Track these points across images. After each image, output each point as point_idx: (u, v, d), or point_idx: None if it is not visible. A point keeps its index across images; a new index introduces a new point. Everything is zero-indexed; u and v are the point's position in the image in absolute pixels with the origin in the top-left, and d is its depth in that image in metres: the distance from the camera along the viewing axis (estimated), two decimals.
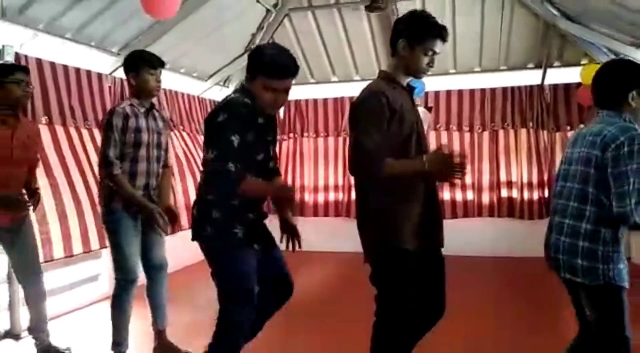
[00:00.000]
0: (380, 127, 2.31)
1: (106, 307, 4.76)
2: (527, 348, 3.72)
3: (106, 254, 5.12)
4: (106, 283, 5.16)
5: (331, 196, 7.26)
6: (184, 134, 6.37)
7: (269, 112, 2.55)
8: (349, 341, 3.39)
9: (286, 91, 2.49)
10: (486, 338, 3.90)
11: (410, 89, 2.58)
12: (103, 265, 5.19)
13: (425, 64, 2.49)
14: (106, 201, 3.20)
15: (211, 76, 7.05)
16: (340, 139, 7.22)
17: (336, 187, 7.24)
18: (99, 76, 4.99)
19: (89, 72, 4.87)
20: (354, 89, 7.17)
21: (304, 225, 6.96)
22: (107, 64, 5.25)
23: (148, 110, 3.29)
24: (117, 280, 3.25)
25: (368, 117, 2.35)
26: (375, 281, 2.46)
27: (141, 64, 3.22)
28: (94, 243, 4.70)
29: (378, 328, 2.48)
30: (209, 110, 6.80)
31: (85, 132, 4.77)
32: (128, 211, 3.16)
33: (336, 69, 7.32)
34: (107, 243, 3.38)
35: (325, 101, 7.26)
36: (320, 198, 7.30)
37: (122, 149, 3.12)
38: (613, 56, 6.05)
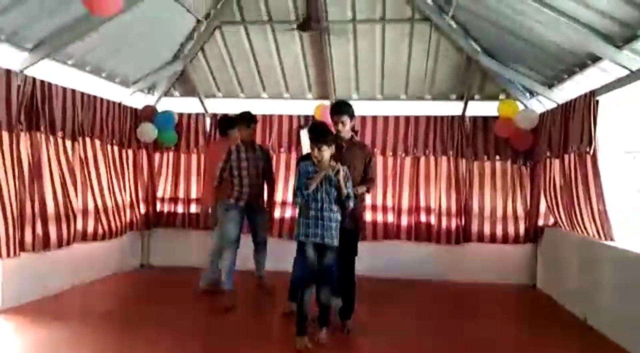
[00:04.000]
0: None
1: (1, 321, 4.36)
2: None
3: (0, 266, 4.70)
4: None
5: None
6: (96, 142, 5.91)
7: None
8: None
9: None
10: None
11: (345, 143, 4.37)
12: None
13: (336, 131, 4.31)
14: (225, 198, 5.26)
15: (135, 82, 6.76)
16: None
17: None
18: (8, 72, 4.60)
19: None
20: (284, 107, 7.21)
21: None
22: (17, 61, 4.87)
23: (247, 146, 5.25)
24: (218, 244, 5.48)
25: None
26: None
27: (241, 122, 5.29)
28: None
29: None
30: (130, 118, 6.58)
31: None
32: (236, 205, 5.21)
33: (266, 86, 7.26)
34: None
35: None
36: None
37: (232, 172, 5.19)
38: (528, 93, 6.46)
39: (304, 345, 3.88)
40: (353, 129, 4.53)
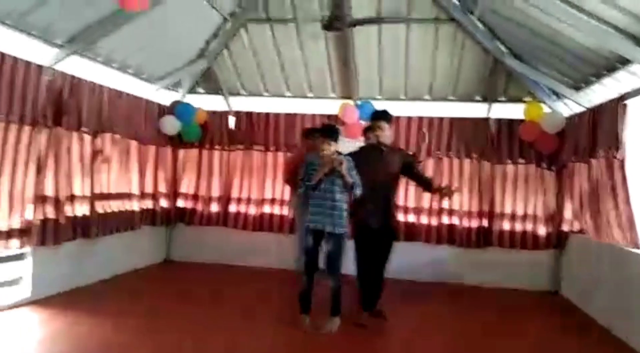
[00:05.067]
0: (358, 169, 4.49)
1: (27, 313, 4.48)
2: None
3: (29, 256, 4.82)
4: (29, 287, 4.84)
5: (276, 210, 7.15)
6: (120, 137, 5.97)
7: None
8: None
9: None
10: None
11: (384, 147, 4.82)
12: (26, 267, 4.87)
13: (376, 136, 4.83)
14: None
15: (161, 79, 6.85)
16: (290, 155, 7.10)
17: (282, 202, 7.13)
18: (38, 67, 4.71)
19: (27, 63, 4.59)
20: (307, 106, 7.23)
21: (245, 238, 6.94)
22: (48, 57, 4.98)
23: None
24: None
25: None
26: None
27: (315, 134, 5.34)
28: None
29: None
30: (155, 114, 6.68)
31: (13, 127, 4.49)
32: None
33: (290, 84, 7.28)
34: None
35: (277, 115, 7.19)
36: (267, 212, 7.17)
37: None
38: (554, 96, 6.35)
39: (305, 322, 4.41)
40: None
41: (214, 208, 7.29)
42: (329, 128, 4.56)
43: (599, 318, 5.05)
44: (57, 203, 5.05)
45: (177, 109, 6.91)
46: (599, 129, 5.13)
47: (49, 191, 4.97)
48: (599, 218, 5.13)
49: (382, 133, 4.77)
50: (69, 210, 5.24)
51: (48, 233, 4.94)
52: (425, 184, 5.06)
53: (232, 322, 4.63)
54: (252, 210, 7.18)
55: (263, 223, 7.16)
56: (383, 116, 4.89)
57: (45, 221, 4.90)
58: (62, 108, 5.03)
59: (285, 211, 7.09)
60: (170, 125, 6.85)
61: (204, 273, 6.72)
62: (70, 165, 5.25)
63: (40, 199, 4.85)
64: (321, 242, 4.43)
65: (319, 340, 4.26)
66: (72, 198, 5.29)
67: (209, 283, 6.19)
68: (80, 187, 5.40)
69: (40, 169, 4.83)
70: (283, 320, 4.64)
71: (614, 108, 4.79)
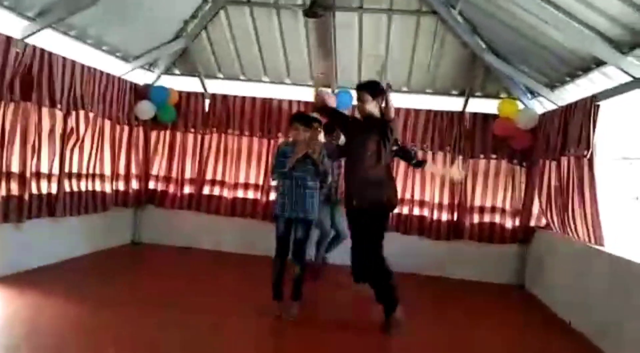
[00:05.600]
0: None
1: None
2: None
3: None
4: None
5: (250, 195, 7.12)
6: (92, 115, 5.85)
7: None
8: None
9: None
10: None
11: (361, 121, 4.38)
12: None
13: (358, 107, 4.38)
14: None
15: (136, 58, 6.68)
16: (265, 140, 7.07)
17: (256, 187, 7.10)
18: (7, 39, 4.54)
19: None
20: (285, 92, 7.16)
21: (219, 224, 6.88)
22: (19, 29, 4.80)
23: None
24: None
25: None
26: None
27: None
28: None
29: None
30: (128, 94, 6.53)
31: None
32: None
33: (268, 69, 7.20)
34: None
35: (253, 100, 7.11)
36: (239, 196, 7.12)
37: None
38: (529, 94, 6.44)
39: (276, 308, 4.45)
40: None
41: (186, 190, 7.21)
42: (304, 116, 4.61)
43: (560, 313, 5.19)
44: (23, 180, 4.92)
45: (151, 92, 6.78)
46: (570, 127, 5.24)
47: (14, 167, 4.84)
48: (565, 215, 5.26)
49: (363, 105, 4.22)
50: (34, 188, 5.11)
51: (11, 210, 4.81)
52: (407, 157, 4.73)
53: (189, 299, 4.62)
54: (225, 194, 7.13)
55: (236, 208, 7.12)
56: (366, 86, 4.27)
57: (8, 197, 4.78)
58: (32, 83, 4.87)
59: (259, 195, 7.08)
60: (145, 110, 6.74)
61: (171, 255, 6.69)
62: (39, 142, 5.11)
63: (4, 175, 4.71)
64: (292, 229, 4.43)
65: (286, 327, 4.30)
66: (39, 175, 5.16)
67: (175, 265, 6.19)
68: (48, 165, 5.27)
69: (5, 145, 4.68)
70: (260, 309, 4.62)
71: (586, 108, 4.89)
